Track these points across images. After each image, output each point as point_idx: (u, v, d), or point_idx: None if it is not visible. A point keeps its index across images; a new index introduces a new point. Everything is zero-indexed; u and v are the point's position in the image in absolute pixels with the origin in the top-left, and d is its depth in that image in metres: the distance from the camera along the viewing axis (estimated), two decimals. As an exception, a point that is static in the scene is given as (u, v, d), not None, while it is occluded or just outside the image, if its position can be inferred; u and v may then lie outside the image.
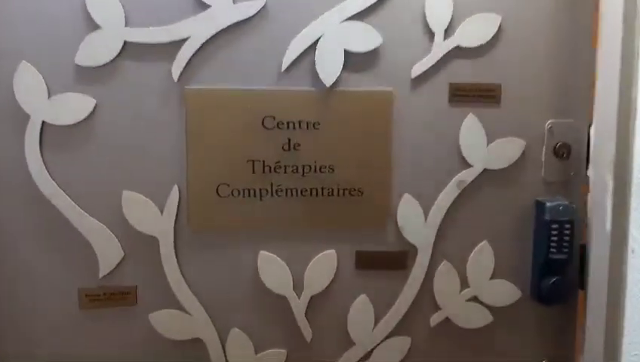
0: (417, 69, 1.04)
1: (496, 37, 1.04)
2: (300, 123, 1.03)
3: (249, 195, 1.04)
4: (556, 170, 1.09)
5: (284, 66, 1.02)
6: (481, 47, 1.04)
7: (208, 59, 1.01)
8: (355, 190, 1.06)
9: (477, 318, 1.11)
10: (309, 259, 1.07)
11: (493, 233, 1.10)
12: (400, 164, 1.06)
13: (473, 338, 1.12)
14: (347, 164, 1.05)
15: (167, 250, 1.03)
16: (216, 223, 1.05)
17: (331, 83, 1.02)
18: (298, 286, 1.07)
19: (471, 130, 1.06)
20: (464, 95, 1.05)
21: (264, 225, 1.05)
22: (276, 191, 1.04)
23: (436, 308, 1.10)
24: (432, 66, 1.04)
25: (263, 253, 1.06)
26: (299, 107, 1.03)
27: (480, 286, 1.10)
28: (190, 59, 1.00)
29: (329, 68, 1.02)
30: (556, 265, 1.08)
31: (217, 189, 1.03)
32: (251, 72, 1.02)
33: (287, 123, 1.03)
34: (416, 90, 1.05)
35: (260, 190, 1.04)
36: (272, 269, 1.06)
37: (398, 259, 1.09)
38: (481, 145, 1.07)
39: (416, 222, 1.07)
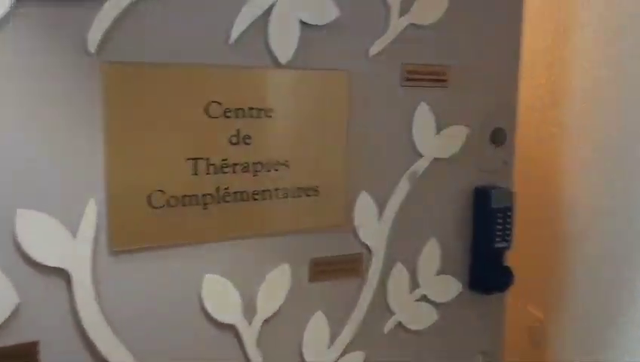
0: (375, 48, 0.92)
1: (447, 16, 0.97)
2: (250, 110, 0.83)
3: (190, 203, 0.81)
4: (492, 156, 1.07)
5: (232, 38, 0.80)
6: (432, 25, 0.96)
7: (136, 25, 0.75)
8: (311, 189, 0.89)
9: (426, 318, 1.04)
10: (262, 276, 0.88)
11: (439, 226, 1.03)
12: (356, 156, 0.93)
13: (422, 338, 1.05)
14: (303, 159, 0.88)
15: (82, 284, 0.75)
16: (147, 242, 0.79)
17: (287, 60, 0.84)
18: (249, 311, 0.87)
19: (422, 118, 0.98)
20: (417, 78, 0.96)
21: (209, 239, 0.83)
22: (223, 196, 0.83)
23: (390, 313, 1.00)
24: (387, 45, 0.93)
25: (209, 277, 0.84)
26: (250, 90, 0.83)
27: (428, 284, 1.03)
28: (112, 25, 0.73)
29: (284, 42, 0.84)
30: (499, 254, 1.06)
31: (149, 198, 0.78)
32: (191, 44, 0.79)
33: (237, 110, 0.82)
34: (372, 70, 0.93)
35: (204, 196, 0.82)
36: (219, 294, 0.85)
37: (354, 264, 0.96)
38: (431, 133, 0.99)
39: (371, 220, 0.96)
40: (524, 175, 1.18)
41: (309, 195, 0.89)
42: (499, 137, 1.06)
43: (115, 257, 0.77)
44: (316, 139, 0.89)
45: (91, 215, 0.74)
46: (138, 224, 0.78)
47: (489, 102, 1.04)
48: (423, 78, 0.97)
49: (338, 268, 0.94)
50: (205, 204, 0.82)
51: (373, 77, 0.93)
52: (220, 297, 0.85)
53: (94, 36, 0.72)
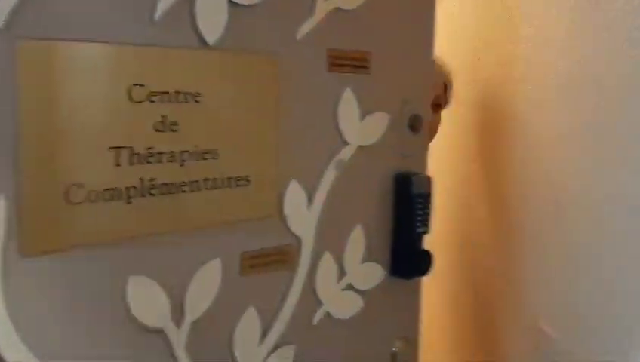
0: (302, 31, 0.88)
1: (368, 1, 0.96)
2: (177, 94, 0.77)
3: (112, 198, 0.73)
4: (410, 142, 1.08)
5: (156, 15, 0.73)
6: (356, 10, 0.95)
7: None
8: (241, 178, 0.84)
9: (352, 306, 1.03)
10: (191, 274, 0.81)
11: (364, 213, 1.03)
12: (285, 143, 0.89)
13: (348, 327, 1.03)
14: (233, 147, 0.83)
15: (-11, 297, 0.64)
16: (65, 242, 0.70)
17: (214, 41, 0.79)
18: (177, 312, 0.81)
19: (348, 105, 0.96)
20: (341, 64, 0.95)
21: (133, 237, 0.76)
22: (149, 188, 0.76)
23: (318, 303, 0.98)
24: (314, 29, 0.90)
25: (134, 278, 0.76)
26: (176, 72, 0.77)
27: (354, 272, 1.02)
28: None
29: (211, 22, 0.78)
30: (419, 239, 1.08)
31: (66, 193, 0.69)
32: (112, 20, 0.70)
33: (162, 94, 0.75)
34: (299, 55, 0.89)
35: (128, 189, 0.74)
36: (145, 297, 0.77)
37: (284, 255, 0.92)
38: (356, 121, 0.98)
39: (301, 210, 0.93)
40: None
41: (239, 185, 0.84)
42: (416, 124, 1.08)
43: (28, 260, 0.67)
44: (246, 125, 0.84)
45: (0, 213, 0.64)
46: (54, 222, 0.69)
47: (406, 89, 1.05)
48: (348, 63, 0.95)
49: (269, 260, 0.90)
50: (129, 198, 0.74)
51: (300, 62, 0.89)
52: (146, 300, 0.78)
53: (2, 9, 0.62)
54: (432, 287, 1.68)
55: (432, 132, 1.40)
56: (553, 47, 1.24)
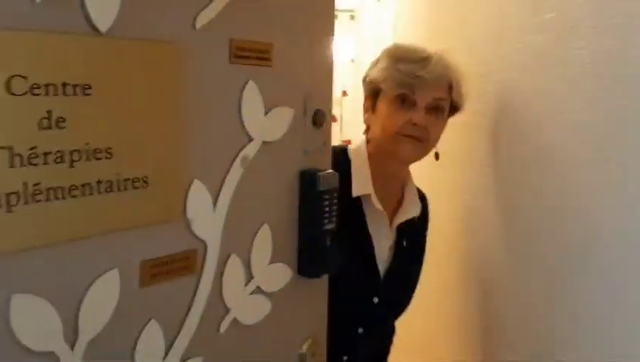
0: (202, 19, 0.82)
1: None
2: (64, 87, 0.68)
3: (-11, 206, 0.63)
4: (314, 138, 1.05)
5: (38, -5, 0.64)
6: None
7: None
8: (139, 180, 0.77)
9: (260, 310, 0.99)
10: (85, 288, 0.73)
11: (270, 212, 0.98)
12: (187, 140, 0.82)
13: (256, 331, 0.99)
14: (129, 145, 0.75)
15: None
16: None
17: (107, 27, 0.70)
18: (70, 332, 0.72)
19: (251, 99, 0.91)
20: (244, 55, 0.89)
21: (16, 249, 0.66)
22: (33, 194, 0.66)
23: (225, 310, 0.92)
24: (215, 17, 0.84)
25: (19, 297, 0.66)
26: (62, 62, 0.67)
27: (262, 274, 0.97)
28: None
29: (103, 5, 0.70)
30: (326, 236, 1.05)
31: None
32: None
33: (47, 86, 0.66)
34: (200, 44, 0.83)
35: (9, 195, 0.64)
36: (33, 316, 0.68)
37: (188, 261, 0.85)
38: (260, 115, 0.93)
39: (205, 211, 0.86)
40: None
41: (136, 187, 0.76)
42: (319, 119, 1.05)
43: None
44: (143, 121, 0.76)
45: None
46: None
47: (309, 83, 1.02)
48: (250, 55, 0.90)
49: (172, 268, 0.83)
50: (10, 206, 0.64)
51: (201, 52, 0.83)
52: (33, 320, 0.68)
53: None
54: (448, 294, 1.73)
55: (432, 140, 1.29)
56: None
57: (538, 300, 1.23)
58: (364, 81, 1.35)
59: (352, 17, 4.37)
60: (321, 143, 1.06)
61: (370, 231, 1.31)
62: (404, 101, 1.26)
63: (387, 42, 2.91)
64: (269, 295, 0.99)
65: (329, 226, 1.04)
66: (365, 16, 3.93)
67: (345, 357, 1.33)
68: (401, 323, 1.49)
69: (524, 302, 1.28)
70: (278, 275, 1.01)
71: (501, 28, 1.37)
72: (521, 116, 1.30)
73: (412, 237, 1.40)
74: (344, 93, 8.96)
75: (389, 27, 2.63)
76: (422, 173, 1.46)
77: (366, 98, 1.35)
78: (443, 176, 1.62)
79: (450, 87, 1.28)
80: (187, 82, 0.81)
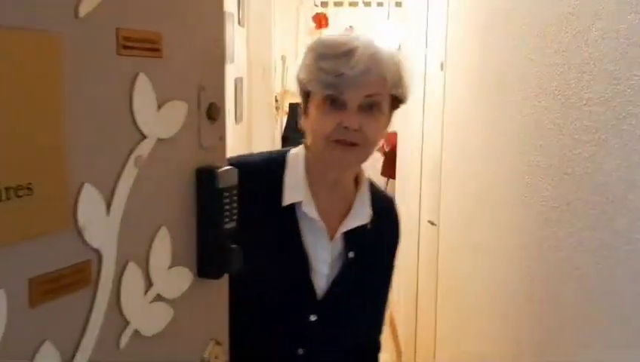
0: (85, 7, 0.74)
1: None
2: None
3: None
4: (209, 133, 1.00)
5: None
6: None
7: None
8: (22, 188, 0.68)
9: (162, 319, 0.92)
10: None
11: (167, 213, 0.92)
12: (74, 140, 0.74)
13: (159, 341, 0.92)
14: (7, 149, 0.66)
15: None
16: None
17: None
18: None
19: (143, 93, 0.84)
20: (133, 46, 0.82)
21: None
22: None
23: (125, 322, 0.85)
24: (99, 5, 0.76)
25: None
26: None
27: (161, 280, 0.91)
28: None
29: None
30: (227, 235, 1.01)
31: None
32: None
33: None
34: (84, 34, 0.75)
35: None
36: None
37: (82, 274, 0.77)
38: (153, 110, 0.87)
39: (98, 217, 0.79)
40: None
41: (19, 196, 0.67)
42: (214, 113, 1.00)
43: None
44: (23, 121, 0.68)
45: None
46: None
47: (202, 75, 0.97)
48: (139, 46, 0.83)
49: (64, 283, 0.75)
50: None
51: (86, 42, 0.75)
52: None
53: None
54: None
55: (371, 141, 1.18)
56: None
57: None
58: (296, 80, 1.22)
59: (398, 4, 4.21)
60: (217, 138, 1.02)
61: (304, 242, 1.20)
62: (334, 102, 1.13)
63: (434, 28, 2.85)
64: (169, 301, 0.94)
65: (229, 225, 1.00)
66: (412, 1, 3.78)
67: None
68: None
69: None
70: (179, 279, 0.95)
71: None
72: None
73: (363, 248, 1.26)
74: None
75: (441, 12, 2.51)
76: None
77: (301, 100, 1.22)
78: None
79: (385, 79, 1.14)
80: (71, 76, 0.73)
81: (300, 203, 1.20)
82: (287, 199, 1.19)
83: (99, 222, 0.79)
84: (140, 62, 0.84)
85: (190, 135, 0.95)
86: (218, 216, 0.98)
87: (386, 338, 3.88)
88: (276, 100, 5.53)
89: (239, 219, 1.00)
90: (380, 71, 1.13)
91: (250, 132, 5.29)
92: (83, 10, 0.74)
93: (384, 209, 1.32)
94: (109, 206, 0.80)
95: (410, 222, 3.33)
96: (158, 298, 0.91)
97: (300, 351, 1.22)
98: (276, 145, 5.72)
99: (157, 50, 0.87)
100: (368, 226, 1.26)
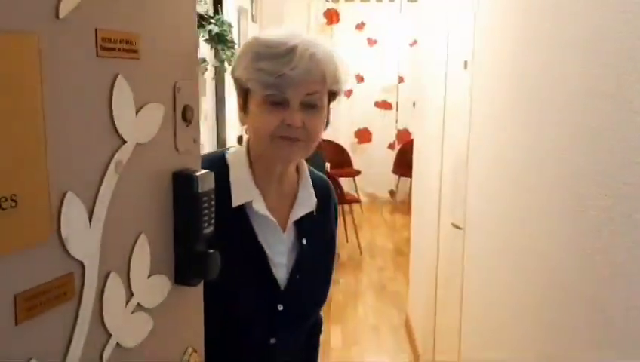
0: (65, 6, 0.70)
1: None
2: None
3: None
4: (184, 136, 0.97)
5: None
6: (122, -16, 0.80)
7: None
8: (6, 199, 0.64)
9: (142, 330, 0.89)
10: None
11: (146, 220, 0.89)
12: (55, 146, 0.70)
13: (139, 352, 0.89)
14: (-9, 158, 0.62)
15: None
16: None
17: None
18: None
19: (122, 96, 0.81)
20: (112, 47, 0.79)
21: None
22: None
23: (107, 335, 0.82)
24: (79, 5, 0.72)
25: None
26: None
27: (141, 290, 0.88)
28: None
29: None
30: (206, 239, 0.99)
31: None
32: None
33: None
34: (64, 36, 0.71)
35: None
36: None
37: (66, 287, 0.74)
38: (131, 114, 0.83)
39: (81, 227, 0.75)
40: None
41: (4, 208, 0.64)
42: (188, 114, 0.97)
43: None
44: (2, 125, 0.63)
45: None
46: None
47: (177, 77, 0.94)
48: (118, 47, 0.80)
49: (49, 297, 0.71)
50: None
51: (66, 44, 0.71)
52: None
53: None
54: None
55: (313, 136, 1.19)
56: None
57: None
58: (234, 80, 1.22)
59: (413, -1, 4.09)
60: (192, 141, 0.99)
61: (259, 238, 1.23)
62: (275, 101, 1.14)
63: (457, 25, 2.67)
64: (149, 311, 0.91)
65: (208, 230, 0.98)
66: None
67: None
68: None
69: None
70: (158, 288, 0.93)
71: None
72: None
73: (314, 234, 1.31)
74: (400, 80, 8.38)
75: (467, 8, 2.36)
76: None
77: (237, 95, 1.23)
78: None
79: (325, 77, 1.16)
80: (52, 79, 0.69)
81: (249, 202, 1.21)
82: (237, 200, 1.21)
83: (82, 232, 0.75)
84: (118, 63, 0.80)
85: (166, 138, 0.92)
86: (196, 221, 0.95)
87: (401, 341, 3.85)
88: None
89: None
90: (319, 70, 1.15)
91: None
92: (63, 10, 0.70)
93: (323, 193, 1.36)
94: (91, 215, 0.77)
95: (430, 225, 3.24)
96: (139, 308, 0.88)
97: (272, 341, 1.26)
98: None
99: (135, 51, 0.83)
100: (314, 212, 1.31)
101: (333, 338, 3.95)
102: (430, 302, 3.21)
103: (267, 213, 1.23)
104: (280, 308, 1.25)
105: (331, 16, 7.53)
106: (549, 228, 1.43)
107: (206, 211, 0.96)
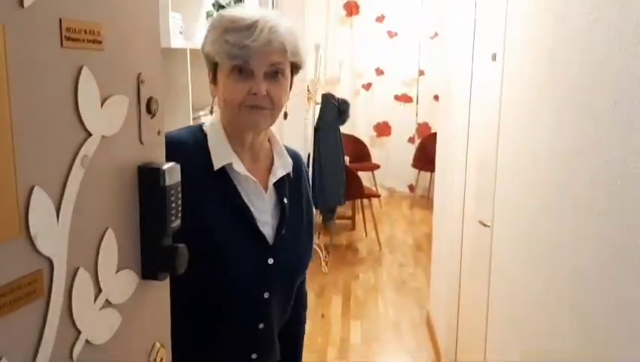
0: (30, -5, 0.68)
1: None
2: None
3: None
4: (149, 129, 0.96)
5: None
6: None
7: None
8: (-27, 195, 0.62)
9: (111, 326, 0.88)
10: None
11: (112, 214, 0.87)
12: (21, 138, 0.68)
13: (108, 349, 0.88)
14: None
15: None
16: None
17: None
18: None
19: (87, 88, 0.79)
20: (76, 38, 0.77)
21: None
22: None
23: (77, 332, 0.80)
24: (43, -7, 0.70)
25: None
26: None
27: (110, 285, 0.87)
28: None
29: None
30: (173, 233, 0.98)
31: None
32: None
33: None
34: (28, 25, 0.69)
35: None
36: None
37: (34, 285, 0.72)
38: (97, 106, 0.82)
39: (49, 223, 0.73)
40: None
41: (-29, 204, 0.61)
42: (152, 106, 0.96)
43: None
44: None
45: None
46: None
47: (140, 68, 0.92)
48: (82, 37, 0.78)
49: (17, 295, 0.69)
50: None
51: (31, 34, 0.69)
52: None
53: None
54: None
55: (277, 105, 1.30)
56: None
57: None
58: (203, 54, 1.32)
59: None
60: (156, 133, 0.98)
61: (243, 197, 1.31)
62: (241, 71, 1.25)
63: (485, 17, 2.58)
64: (117, 306, 0.89)
65: (175, 223, 0.97)
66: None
67: (261, 325, 1.34)
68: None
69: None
70: (125, 283, 0.91)
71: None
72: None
73: (292, 195, 1.42)
74: (421, 73, 8.07)
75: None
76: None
77: (208, 70, 1.33)
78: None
79: (285, 49, 1.26)
80: (16, 70, 0.67)
81: (229, 164, 1.30)
82: (218, 163, 1.29)
83: (50, 228, 0.73)
84: (82, 54, 0.78)
85: (131, 131, 0.91)
86: (163, 214, 0.94)
87: (422, 339, 3.83)
88: (308, 90, 5.25)
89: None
90: (279, 41, 1.25)
91: (280, 123, 5.06)
92: (28, 0, 0.68)
93: (296, 162, 1.46)
94: (58, 210, 0.75)
95: (453, 222, 3.18)
96: (107, 304, 0.86)
97: (266, 295, 1.33)
98: (308, 136, 5.41)
99: (99, 42, 0.82)
100: (291, 175, 1.42)
101: (352, 335, 3.92)
102: (453, 300, 3.17)
103: (247, 173, 1.32)
104: (270, 261, 1.32)
105: (351, 8, 7.42)
106: (584, 227, 1.40)
107: (173, 205, 0.95)
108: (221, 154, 1.28)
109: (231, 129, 1.33)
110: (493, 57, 2.37)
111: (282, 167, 1.39)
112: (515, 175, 2.04)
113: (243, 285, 1.30)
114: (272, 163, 1.40)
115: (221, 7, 2.59)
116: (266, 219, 1.34)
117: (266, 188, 1.37)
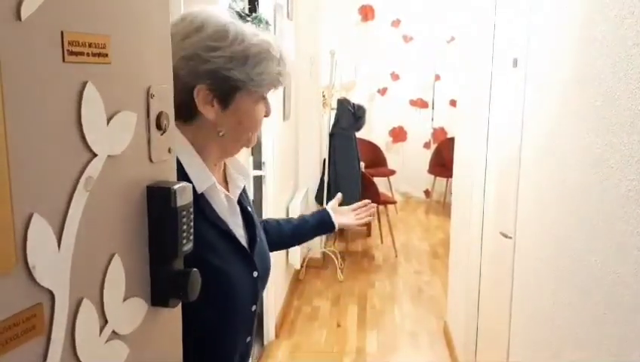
0: (28, 7, 0.62)
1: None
2: None
3: None
4: (159, 146, 0.90)
5: None
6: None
7: None
8: (-36, 227, 0.56)
9: (117, 358, 0.82)
10: None
11: (119, 239, 0.82)
12: (18, 162, 0.63)
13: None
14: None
15: None
16: None
17: None
18: None
19: (91, 105, 0.73)
20: (80, 52, 0.71)
21: None
22: None
23: (81, 369, 0.74)
24: (43, 5, 0.65)
25: None
26: None
27: (116, 315, 0.81)
28: None
29: None
30: (186, 257, 0.92)
31: None
32: None
33: None
34: (26, 40, 0.63)
35: None
36: None
37: (33, 320, 0.66)
38: (102, 124, 0.76)
39: (49, 253, 0.67)
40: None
41: (-39, 237, 0.56)
42: (163, 122, 0.90)
43: None
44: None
45: None
46: None
47: (150, 82, 0.87)
48: (86, 51, 0.72)
49: (16, 332, 0.63)
50: None
51: (29, 48, 0.64)
52: None
53: None
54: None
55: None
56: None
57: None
58: (216, 75, 1.15)
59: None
60: (167, 151, 0.92)
61: (221, 216, 1.25)
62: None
63: (505, 21, 2.51)
64: (124, 337, 0.83)
65: (187, 247, 0.91)
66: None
67: (248, 339, 1.33)
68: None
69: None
70: (133, 312, 0.85)
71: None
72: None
73: (248, 200, 1.40)
74: (437, 78, 8.12)
75: (520, 3, 2.21)
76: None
77: (211, 91, 1.16)
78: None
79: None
80: (14, 88, 0.62)
81: (211, 186, 1.24)
82: (201, 186, 1.21)
83: (50, 258, 0.68)
84: (87, 69, 0.73)
85: (140, 149, 0.85)
86: (174, 237, 0.88)
87: (440, 349, 3.73)
88: (323, 95, 5.23)
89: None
90: None
91: (297, 129, 5.01)
92: (26, 11, 0.62)
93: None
94: (59, 238, 0.69)
95: (472, 231, 3.08)
96: (114, 335, 0.81)
97: (254, 308, 1.32)
98: (323, 142, 5.41)
99: (105, 55, 0.76)
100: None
101: (368, 345, 3.83)
102: (472, 311, 3.10)
103: (226, 192, 1.29)
104: (255, 274, 1.29)
105: (366, 13, 7.40)
106: (620, 238, 1.33)
107: (185, 226, 0.89)
108: (202, 177, 1.21)
109: (213, 150, 1.25)
110: (514, 63, 2.29)
111: (240, 174, 1.35)
112: (540, 185, 1.95)
113: (241, 307, 1.27)
114: (224, 170, 1.35)
115: (238, 15, 2.54)
116: (241, 232, 1.30)
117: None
